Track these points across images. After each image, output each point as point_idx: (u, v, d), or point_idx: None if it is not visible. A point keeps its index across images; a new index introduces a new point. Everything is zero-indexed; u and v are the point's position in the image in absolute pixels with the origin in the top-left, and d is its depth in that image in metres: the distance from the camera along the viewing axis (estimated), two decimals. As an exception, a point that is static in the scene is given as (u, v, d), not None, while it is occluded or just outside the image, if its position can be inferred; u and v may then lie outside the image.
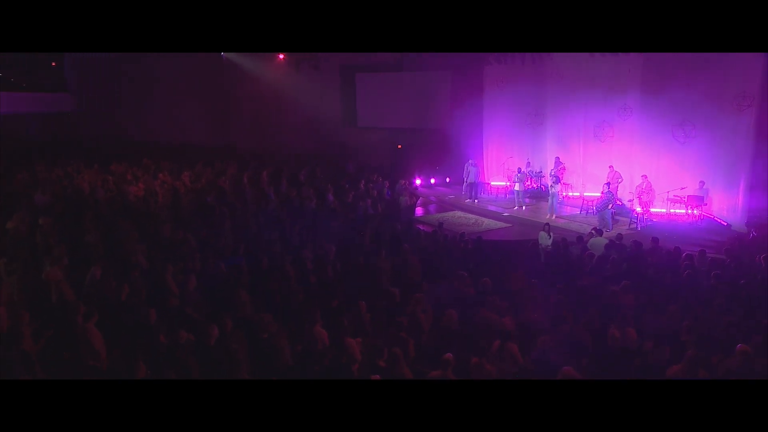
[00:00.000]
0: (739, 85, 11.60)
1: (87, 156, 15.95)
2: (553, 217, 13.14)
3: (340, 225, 10.64)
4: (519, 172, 14.34)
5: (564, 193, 14.79)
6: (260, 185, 13.49)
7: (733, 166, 11.88)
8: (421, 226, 12.60)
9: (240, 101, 19.92)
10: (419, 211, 15.22)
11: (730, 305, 6.34)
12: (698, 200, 12.25)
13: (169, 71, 19.06)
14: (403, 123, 18.54)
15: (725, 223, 12.00)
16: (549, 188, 13.74)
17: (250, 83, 19.15)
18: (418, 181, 17.38)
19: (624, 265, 8.25)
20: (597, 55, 13.74)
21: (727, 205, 12.16)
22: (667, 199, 12.73)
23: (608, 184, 12.61)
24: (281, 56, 18.15)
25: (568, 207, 14.32)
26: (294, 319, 5.99)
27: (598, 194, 12.91)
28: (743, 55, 11.11)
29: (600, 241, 9.44)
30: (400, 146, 18.80)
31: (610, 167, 13.74)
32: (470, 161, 15.38)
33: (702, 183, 12.33)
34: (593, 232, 10.02)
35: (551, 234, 10.32)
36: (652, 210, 12.86)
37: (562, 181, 14.44)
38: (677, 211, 12.70)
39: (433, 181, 17.85)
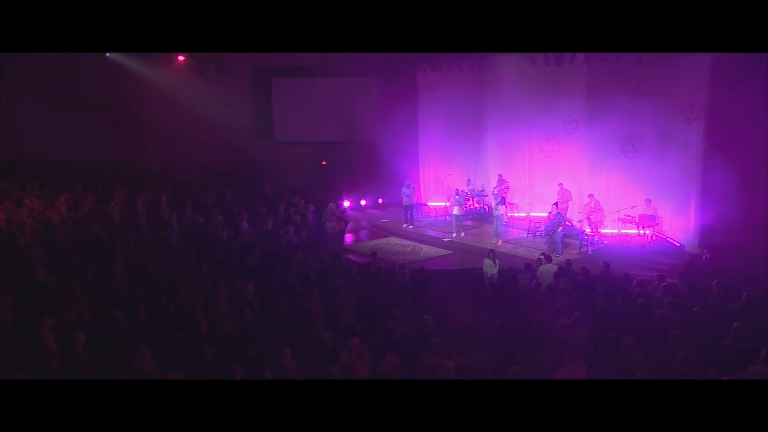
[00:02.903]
0: (686, 95, 12.79)
1: None
2: (499, 242, 13.77)
3: (257, 258, 10.59)
4: (457, 193, 14.86)
5: (508, 214, 15.54)
6: (159, 212, 13.15)
7: (684, 182, 12.99)
8: (352, 256, 12.76)
9: (130, 111, 19.26)
10: (349, 238, 15.37)
11: (684, 337, 6.97)
12: (650, 220, 13.30)
13: (27, 73, 17.93)
14: (328, 136, 18.77)
15: (678, 244, 13.10)
16: (493, 210, 14.38)
17: (142, 90, 18.60)
18: (346, 204, 17.53)
19: (574, 294, 8.83)
20: (540, 62, 14.76)
21: (679, 225, 13.28)
22: (618, 219, 13.74)
23: (556, 204, 13.42)
24: (181, 57, 17.83)
25: (514, 229, 15.05)
26: (206, 374, 5.92)
27: (545, 215, 13.69)
28: (689, 64, 12.35)
29: (549, 269, 10.03)
30: (324, 163, 18.96)
31: (559, 185, 14.66)
32: (406, 182, 15.82)
33: (648, 201, 13.40)
34: (542, 258, 10.62)
35: (497, 261, 10.83)
36: (603, 231, 13.81)
37: (506, 201, 15.17)
38: (628, 231, 13.72)
39: (363, 202, 18.11)
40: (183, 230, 11.95)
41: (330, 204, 14.60)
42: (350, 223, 16.33)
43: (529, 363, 6.27)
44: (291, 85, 19.04)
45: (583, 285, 9.27)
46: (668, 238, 13.45)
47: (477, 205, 16.32)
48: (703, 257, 12.04)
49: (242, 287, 8.36)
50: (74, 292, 7.68)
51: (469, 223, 15.56)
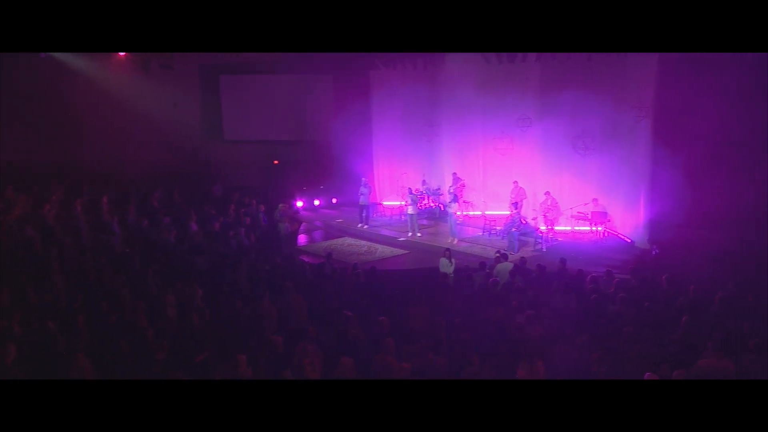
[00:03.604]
0: (634, 93, 13.18)
1: None
2: (455, 241, 13.85)
3: (206, 261, 10.32)
4: (411, 192, 14.87)
5: (464, 213, 15.67)
6: (99, 215, 12.63)
7: (633, 179, 13.40)
8: (305, 258, 12.62)
9: (67, 109, 18.46)
10: (302, 239, 15.23)
11: (637, 332, 7.13)
12: (602, 216, 13.67)
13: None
14: (279, 135, 18.51)
15: (629, 240, 13.49)
16: (446, 208, 14.47)
17: (81, 87, 17.86)
18: (299, 204, 17.38)
19: (530, 292, 8.92)
20: (493, 60, 14.93)
21: (629, 221, 13.68)
22: (571, 216, 14.05)
23: (515, 204, 13.60)
24: (122, 53, 17.24)
25: (470, 228, 15.18)
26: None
27: (501, 213, 13.87)
28: (636, 63, 12.71)
29: (506, 267, 10.12)
30: (276, 162, 18.70)
31: (514, 183, 14.88)
32: (363, 181, 15.75)
33: (595, 200, 13.78)
34: (499, 256, 10.71)
35: (453, 260, 10.87)
36: (557, 228, 14.09)
37: (461, 199, 15.28)
38: (581, 228, 14.05)
39: (317, 202, 17.98)
40: (126, 233, 11.52)
41: (280, 205, 14.36)
42: (303, 224, 16.17)
43: (487, 362, 6.27)
44: (240, 82, 18.64)
45: (539, 282, 9.39)
46: (619, 235, 13.83)
47: (433, 204, 16.39)
48: (653, 252, 12.41)
49: (191, 291, 8.10)
50: (3, 302, 7.25)
51: (425, 222, 15.60)
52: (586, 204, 13.86)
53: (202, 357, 6.69)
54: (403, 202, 16.35)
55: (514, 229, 13.07)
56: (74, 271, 9.11)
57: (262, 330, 7.57)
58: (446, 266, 10.71)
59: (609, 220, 13.81)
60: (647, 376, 5.79)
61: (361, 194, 15.52)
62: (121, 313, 7.36)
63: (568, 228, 14.23)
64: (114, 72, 17.51)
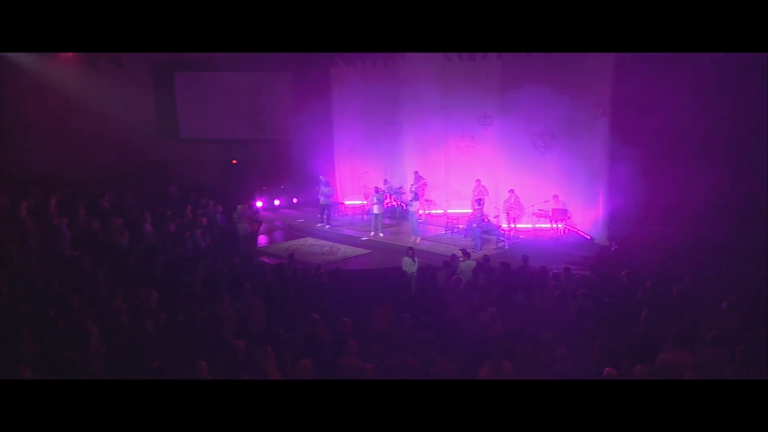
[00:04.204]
0: (592, 91, 13.42)
1: None
2: (418, 240, 13.84)
3: (162, 264, 10.02)
4: (377, 191, 14.81)
5: (426, 211, 15.67)
6: (47, 217, 12.13)
7: (592, 176, 13.64)
8: (266, 259, 12.42)
9: (10, 107, 17.70)
10: (263, 239, 14.99)
11: (598, 327, 7.22)
12: (562, 214, 13.88)
13: None
14: (237, 133, 18.18)
15: (589, 237, 13.72)
16: (408, 206, 14.46)
17: (24, 84, 17.14)
18: (259, 204, 17.10)
19: (494, 290, 8.96)
20: (454, 58, 14.98)
21: (589, 218, 13.93)
22: (532, 214, 14.22)
23: (479, 200, 13.69)
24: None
25: (433, 227, 15.20)
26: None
27: (463, 211, 13.94)
28: (595, 61, 12.93)
29: (469, 265, 10.14)
30: (235, 162, 18.37)
31: (476, 181, 14.96)
32: (324, 178, 15.61)
33: (556, 197, 13.98)
34: (461, 254, 10.73)
35: (416, 259, 10.83)
36: (518, 226, 14.23)
37: (423, 198, 15.28)
38: (542, 225, 14.23)
39: (277, 202, 17.76)
40: (75, 236, 11.09)
41: (239, 206, 14.08)
42: (263, 224, 15.90)
43: (452, 362, 6.23)
44: (196, 80, 18.21)
45: (503, 280, 9.43)
46: (579, 231, 14.06)
47: (395, 203, 16.35)
48: (612, 249, 12.67)
49: (146, 295, 7.83)
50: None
51: (387, 221, 15.54)
52: (546, 201, 14.05)
53: (158, 363, 6.48)
54: (365, 201, 16.33)
55: (474, 225, 13.15)
56: (19, 277, 8.69)
57: (220, 334, 7.38)
58: (409, 265, 10.67)
59: (569, 217, 14.03)
60: (606, 371, 5.85)
61: (322, 194, 15.37)
62: (71, 320, 7.04)
63: (529, 225, 14.40)
64: (60, 69, 16.89)
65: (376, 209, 14.53)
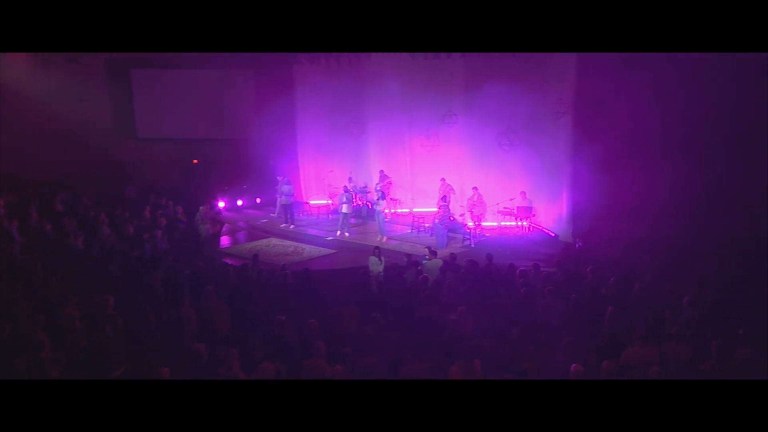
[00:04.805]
0: (555, 89, 13.55)
1: None
2: (384, 239, 13.77)
3: (119, 267, 9.70)
4: (346, 191, 14.67)
5: (391, 210, 15.62)
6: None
7: (556, 174, 13.78)
8: (229, 260, 12.18)
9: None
10: (225, 240, 14.72)
11: (566, 324, 7.27)
12: (527, 211, 14.00)
13: None
14: (198, 132, 17.79)
15: (553, 234, 13.88)
16: (374, 206, 14.37)
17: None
18: (221, 204, 16.78)
19: (461, 288, 8.95)
20: (418, 56, 14.95)
21: (553, 215, 14.08)
22: (498, 212, 14.30)
23: (444, 197, 13.64)
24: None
25: (398, 225, 15.15)
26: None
27: (429, 210, 13.93)
28: (557, 61, 13.08)
29: (435, 263, 10.12)
30: (195, 161, 17.99)
31: (441, 180, 14.97)
32: (282, 178, 15.44)
33: (523, 193, 14.10)
34: (428, 253, 10.71)
35: (382, 259, 10.76)
36: (484, 224, 14.30)
37: (388, 197, 15.22)
38: (508, 223, 14.33)
39: (240, 202, 17.47)
40: (26, 239, 10.65)
41: (201, 207, 13.77)
42: (226, 225, 15.62)
43: (422, 361, 6.18)
44: (154, 77, 17.71)
45: (470, 278, 9.43)
46: (543, 229, 14.21)
47: (360, 203, 16.26)
48: (576, 245, 12.83)
49: (101, 300, 7.55)
50: None
51: (352, 220, 15.43)
52: (512, 199, 14.15)
53: (119, 372, 6.27)
54: (329, 201, 16.20)
55: (437, 221, 13.17)
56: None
57: (182, 338, 7.17)
58: (376, 265, 10.58)
59: (534, 215, 14.16)
60: (573, 368, 5.88)
61: (284, 193, 15.20)
62: (19, 327, 6.72)
63: (495, 223, 14.48)
64: (10, 65, 16.21)
65: (344, 209, 14.39)
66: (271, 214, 16.34)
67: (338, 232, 14.43)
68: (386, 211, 14.90)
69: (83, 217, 12.27)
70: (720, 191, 11.82)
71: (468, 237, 13.62)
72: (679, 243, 11.58)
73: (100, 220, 11.85)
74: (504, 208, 14.24)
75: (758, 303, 8.32)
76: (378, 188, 14.99)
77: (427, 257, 10.51)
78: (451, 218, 14.11)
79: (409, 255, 11.05)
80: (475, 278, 9.47)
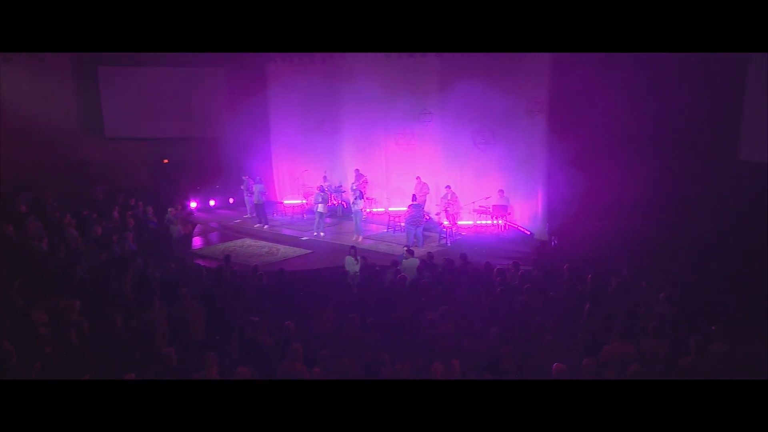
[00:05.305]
0: (530, 90, 13.59)
1: None
2: (359, 238, 13.64)
3: (87, 270, 9.39)
4: (321, 190, 14.48)
5: (367, 209, 15.51)
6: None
7: (531, 173, 13.83)
8: (201, 261, 11.94)
9: None
10: (197, 241, 14.44)
11: (544, 322, 7.23)
12: (502, 210, 14.01)
13: None
14: (168, 132, 17.42)
15: (528, 232, 13.91)
16: (351, 205, 14.22)
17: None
18: (193, 205, 16.50)
19: (439, 288, 8.86)
20: (393, 55, 14.86)
21: (528, 214, 14.12)
22: (473, 210, 14.28)
23: (413, 196, 13.60)
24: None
25: (374, 225, 15.03)
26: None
27: (405, 209, 13.83)
28: (532, 60, 13.10)
29: (412, 263, 10.03)
30: (166, 161, 17.61)
31: (417, 178, 14.90)
32: (247, 177, 15.26)
33: (501, 192, 14.10)
34: (406, 252, 10.62)
35: (359, 258, 10.64)
36: (460, 223, 14.27)
37: (365, 196, 15.11)
38: (483, 222, 14.32)
39: (212, 203, 17.22)
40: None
41: (170, 209, 13.45)
42: (198, 226, 15.33)
43: (400, 362, 6.06)
44: (122, 75, 17.28)
45: (447, 277, 9.36)
46: (519, 227, 14.23)
47: (335, 202, 16.10)
48: (552, 243, 12.87)
49: (66, 305, 7.27)
50: None
51: (327, 220, 15.27)
52: (487, 198, 14.15)
53: (86, 378, 6.02)
54: (304, 201, 16.03)
55: (403, 223, 13.05)
56: None
57: (153, 343, 6.93)
58: (352, 265, 10.46)
59: (509, 213, 14.17)
60: (556, 367, 5.83)
61: (256, 192, 14.97)
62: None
63: (471, 222, 14.46)
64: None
65: (320, 208, 14.21)
66: (245, 216, 16.12)
67: (315, 233, 14.25)
68: (364, 210, 14.78)
69: (48, 218, 11.86)
70: (691, 188, 11.97)
71: (444, 236, 13.57)
72: (651, 239, 11.69)
73: (66, 221, 11.48)
74: (479, 206, 14.23)
75: (732, 298, 8.45)
76: (354, 187, 14.87)
77: (404, 257, 10.42)
78: (426, 217, 14.05)
79: (408, 249, 10.89)
80: (453, 277, 9.40)
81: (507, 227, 14.13)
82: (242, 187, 16.20)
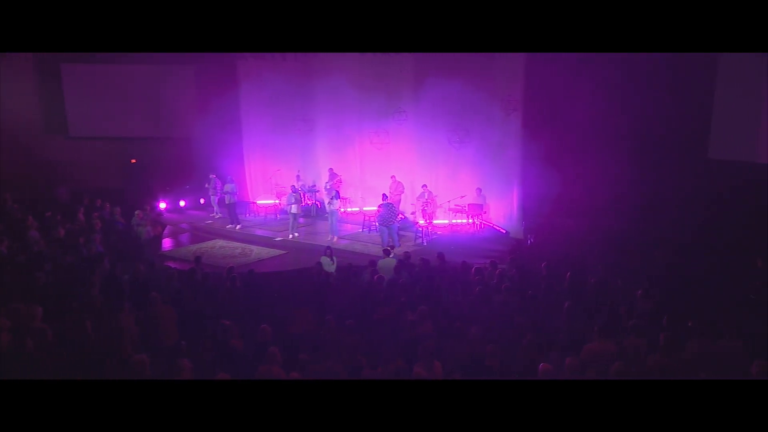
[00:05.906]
0: (504, 86, 13.57)
1: None
2: (335, 239, 13.45)
3: (49, 274, 9.01)
4: (294, 191, 14.24)
5: (342, 209, 15.33)
6: None
7: (506, 171, 13.81)
8: (171, 263, 11.64)
9: None
10: (167, 243, 14.08)
11: (526, 321, 7.17)
12: (478, 208, 13.97)
13: None
14: (136, 131, 17.00)
15: (504, 231, 13.90)
16: (326, 206, 14.01)
17: None
18: (162, 205, 16.09)
19: (417, 287, 8.74)
20: (367, 53, 14.70)
21: (503, 212, 14.10)
22: (449, 209, 14.21)
23: (384, 195, 13.46)
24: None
25: (349, 224, 14.86)
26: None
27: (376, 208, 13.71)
28: (507, 58, 13.08)
29: (389, 263, 9.88)
30: (134, 161, 17.17)
31: (392, 178, 14.76)
32: (218, 176, 15.02)
33: (479, 190, 14.07)
34: (383, 252, 10.48)
35: (334, 259, 10.47)
36: (435, 222, 14.18)
37: (340, 196, 14.91)
38: (459, 221, 14.27)
39: (182, 203, 16.84)
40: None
41: (136, 212, 13.06)
42: (168, 227, 14.95)
43: (382, 363, 5.92)
44: (87, 72, 16.75)
45: (424, 277, 9.25)
46: (494, 226, 14.21)
47: (309, 202, 15.88)
48: (528, 242, 12.87)
49: (27, 311, 6.91)
50: None
51: (302, 220, 15.04)
52: (463, 196, 14.10)
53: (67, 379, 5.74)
54: (277, 201, 15.77)
55: (376, 222, 12.96)
56: None
57: (122, 349, 6.64)
58: (328, 265, 10.28)
59: (485, 212, 14.14)
60: (541, 367, 5.75)
61: (227, 192, 14.70)
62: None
63: (446, 221, 14.40)
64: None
65: (293, 209, 13.94)
66: (212, 215, 15.79)
67: (290, 235, 13.97)
68: (340, 210, 14.60)
69: (8, 220, 11.41)
70: (663, 186, 12.10)
71: (420, 235, 13.47)
72: (625, 236, 11.77)
73: (27, 223, 11.04)
74: (455, 205, 14.17)
75: (705, 293, 8.54)
76: (328, 187, 14.67)
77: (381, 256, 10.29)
78: (401, 216, 13.93)
79: (385, 249, 10.79)
80: (430, 277, 9.29)
81: (482, 226, 14.10)
82: (207, 185, 15.84)
